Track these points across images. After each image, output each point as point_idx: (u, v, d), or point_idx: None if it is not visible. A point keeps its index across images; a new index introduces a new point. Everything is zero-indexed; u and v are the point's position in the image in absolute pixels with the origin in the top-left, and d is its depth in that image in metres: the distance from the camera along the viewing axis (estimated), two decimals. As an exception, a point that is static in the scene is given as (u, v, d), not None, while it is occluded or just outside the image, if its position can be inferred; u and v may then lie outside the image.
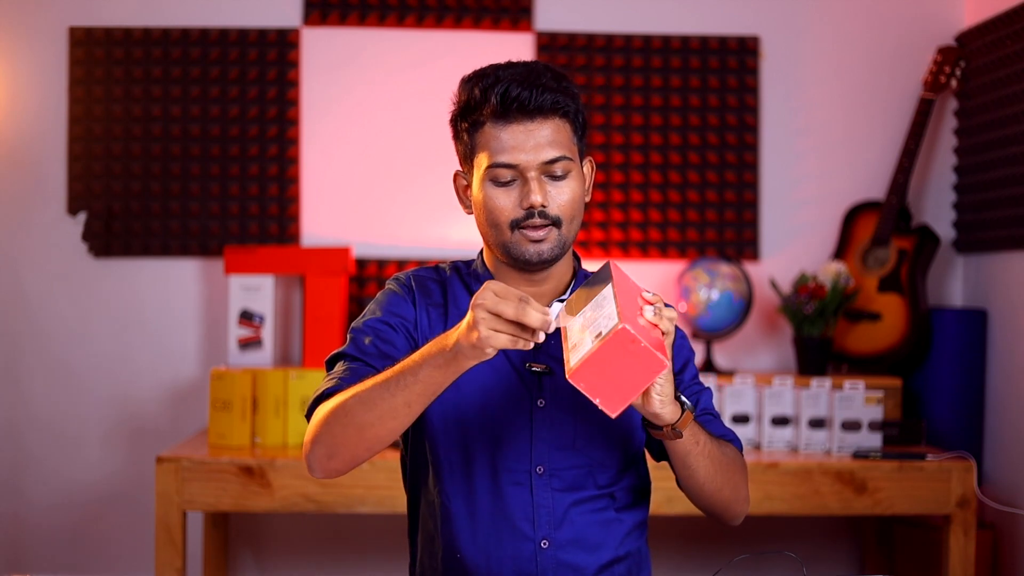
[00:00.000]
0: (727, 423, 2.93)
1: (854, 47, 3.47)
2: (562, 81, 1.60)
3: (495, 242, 1.61)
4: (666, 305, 1.46)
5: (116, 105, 3.34)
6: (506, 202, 1.57)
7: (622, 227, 3.40)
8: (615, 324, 1.34)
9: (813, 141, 3.46)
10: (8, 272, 3.35)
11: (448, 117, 1.66)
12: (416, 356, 1.44)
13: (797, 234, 3.45)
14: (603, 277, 1.47)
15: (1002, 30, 3.14)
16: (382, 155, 3.40)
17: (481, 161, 1.59)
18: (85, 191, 3.34)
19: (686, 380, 1.70)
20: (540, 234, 1.57)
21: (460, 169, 1.67)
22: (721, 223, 3.43)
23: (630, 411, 1.68)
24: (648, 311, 1.40)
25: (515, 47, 3.37)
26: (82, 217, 3.34)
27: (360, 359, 1.59)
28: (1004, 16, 3.13)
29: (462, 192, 1.67)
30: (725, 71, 3.43)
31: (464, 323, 1.37)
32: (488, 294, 1.35)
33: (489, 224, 1.60)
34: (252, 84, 3.36)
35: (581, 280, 1.70)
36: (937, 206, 3.46)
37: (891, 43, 3.45)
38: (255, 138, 3.36)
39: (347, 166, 3.40)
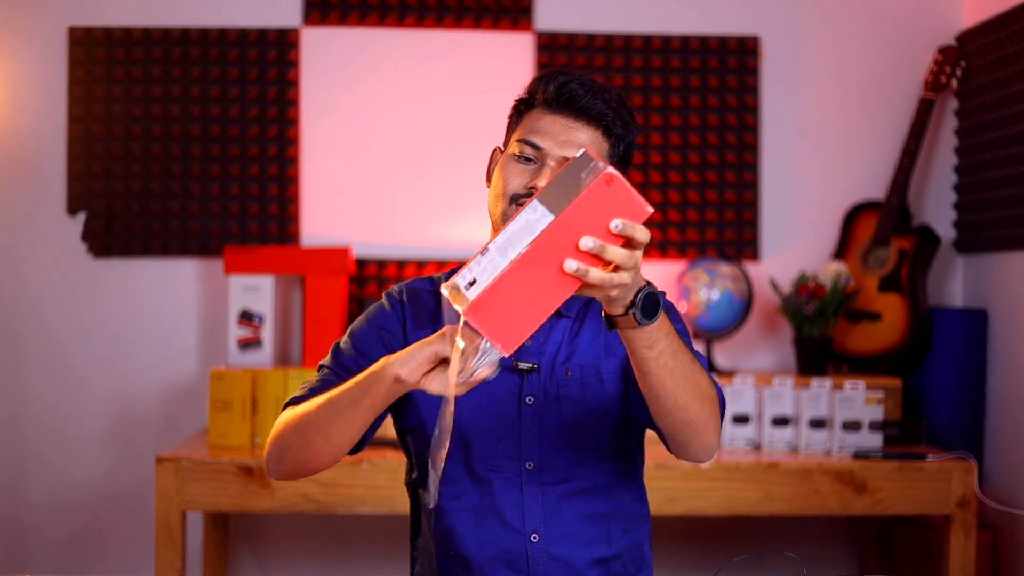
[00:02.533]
0: (726, 423, 2.93)
1: (854, 47, 3.47)
2: (623, 108, 1.62)
3: (496, 216, 1.61)
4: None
5: (116, 105, 3.34)
6: (517, 178, 1.59)
7: (622, 227, 3.40)
8: (463, 308, 1.28)
9: (813, 141, 3.46)
10: (8, 272, 3.35)
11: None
12: (351, 382, 1.49)
13: (797, 234, 3.45)
14: (568, 188, 1.28)
15: (1002, 30, 3.14)
16: (382, 155, 3.40)
17: (515, 137, 1.62)
18: (85, 191, 3.34)
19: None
20: None
21: (500, 146, 1.70)
22: (721, 223, 3.43)
23: (626, 410, 1.68)
24: (569, 265, 1.27)
25: (515, 47, 3.37)
26: (82, 217, 3.34)
27: (335, 371, 1.65)
28: (1004, 16, 3.13)
29: (492, 166, 1.69)
30: (725, 71, 3.42)
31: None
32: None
33: (495, 195, 1.61)
34: (252, 84, 3.36)
35: None
36: (937, 206, 3.46)
37: (891, 43, 3.45)
38: (255, 138, 3.36)
39: (347, 166, 3.40)
